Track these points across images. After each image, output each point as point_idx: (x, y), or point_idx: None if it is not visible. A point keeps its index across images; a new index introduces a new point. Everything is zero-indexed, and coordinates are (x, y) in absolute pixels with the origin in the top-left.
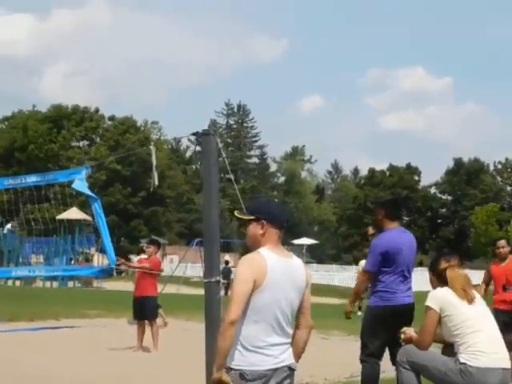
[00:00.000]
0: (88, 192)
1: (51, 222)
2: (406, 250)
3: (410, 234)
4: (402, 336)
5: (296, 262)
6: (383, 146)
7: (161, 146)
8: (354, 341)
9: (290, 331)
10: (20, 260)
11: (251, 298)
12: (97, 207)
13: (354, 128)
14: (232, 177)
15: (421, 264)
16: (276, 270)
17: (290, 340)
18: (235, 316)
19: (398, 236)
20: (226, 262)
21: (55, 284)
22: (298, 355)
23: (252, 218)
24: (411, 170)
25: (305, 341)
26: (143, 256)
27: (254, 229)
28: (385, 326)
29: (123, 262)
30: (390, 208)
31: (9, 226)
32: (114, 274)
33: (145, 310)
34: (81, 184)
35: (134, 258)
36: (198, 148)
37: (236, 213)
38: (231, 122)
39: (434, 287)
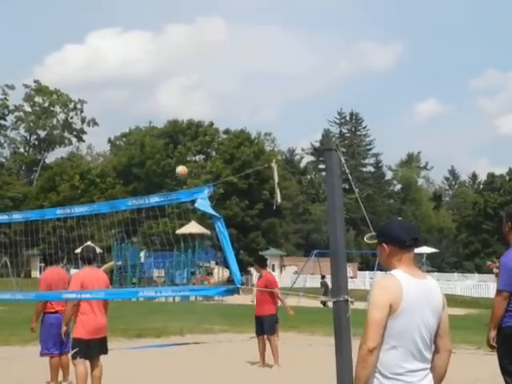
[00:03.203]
0: (211, 211)
1: (171, 236)
2: None
3: None
4: None
5: (431, 282)
6: (502, 150)
7: (275, 156)
8: (484, 355)
9: (429, 356)
10: (143, 274)
11: (388, 324)
12: (220, 226)
13: (471, 132)
14: (356, 190)
15: None
16: (411, 293)
17: (429, 365)
18: (374, 343)
19: None
20: (323, 277)
21: (177, 298)
22: (438, 380)
23: (374, 241)
24: None
25: (445, 365)
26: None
27: (380, 251)
28: None
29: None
30: None
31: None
32: (240, 293)
33: (263, 326)
34: (203, 203)
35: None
36: (311, 158)
37: (366, 238)
38: (344, 130)
39: None
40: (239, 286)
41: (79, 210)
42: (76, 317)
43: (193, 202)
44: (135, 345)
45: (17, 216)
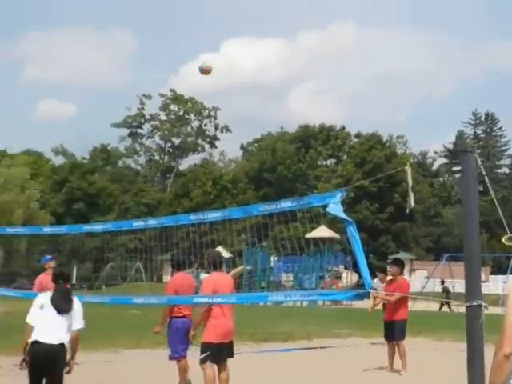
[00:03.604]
0: (343, 215)
1: (300, 240)
2: None
3: None
4: None
5: None
6: None
7: (406, 159)
8: None
9: None
10: (272, 278)
11: None
12: (352, 230)
13: None
14: (492, 192)
15: None
16: None
17: None
18: (510, 349)
19: None
20: (442, 282)
21: (305, 302)
22: None
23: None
24: None
25: None
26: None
27: None
28: None
29: (378, 295)
30: None
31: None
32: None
33: (393, 332)
34: (336, 207)
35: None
36: (444, 160)
37: (504, 240)
38: (479, 131)
39: None
40: (369, 290)
41: (212, 215)
42: (206, 321)
43: (324, 206)
44: (262, 349)
45: (152, 222)
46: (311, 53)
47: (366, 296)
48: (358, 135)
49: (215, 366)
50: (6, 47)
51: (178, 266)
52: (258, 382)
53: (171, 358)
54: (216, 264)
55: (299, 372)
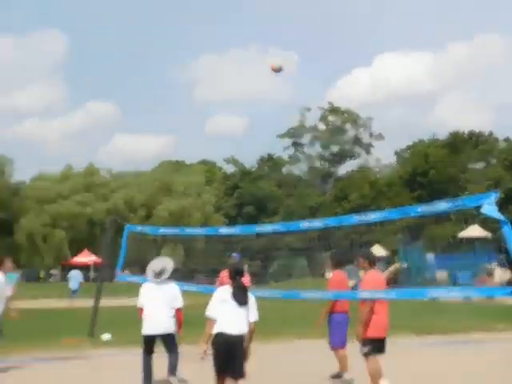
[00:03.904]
0: (498, 216)
1: (454, 239)
2: None
3: None
4: None
5: None
6: None
7: None
8: None
9: None
10: (427, 275)
11: None
12: (507, 230)
13: None
14: None
15: None
16: None
17: None
18: None
19: None
20: None
21: (459, 298)
22: None
23: None
24: None
25: None
26: None
27: None
28: None
29: None
30: None
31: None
32: None
33: None
34: (491, 208)
35: None
36: None
37: None
38: None
39: None
40: None
41: (373, 216)
42: (370, 318)
43: (479, 207)
44: (423, 341)
45: (317, 223)
46: (459, 64)
47: None
48: (506, 139)
49: (378, 358)
50: (184, 70)
51: (337, 264)
52: (427, 371)
53: (333, 348)
54: (374, 261)
55: (464, 363)
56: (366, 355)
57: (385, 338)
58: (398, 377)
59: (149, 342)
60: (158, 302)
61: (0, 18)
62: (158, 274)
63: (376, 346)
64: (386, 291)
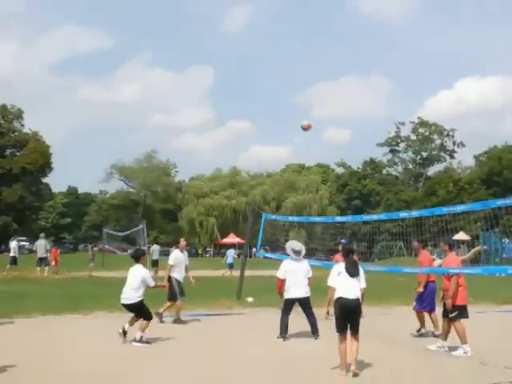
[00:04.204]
0: None
1: None
2: None
3: None
4: None
5: None
6: None
7: None
8: None
9: None
10: (503, 255)
11: None
12: None
13: None
14: None
15: None
16: None
17: None
18: None
19: None
20: None
21: None
22: None
23: None
24: None
25: None
26: None
27: None
28: None
29: None
30: None
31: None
32: None
33: None
34: None
35: None
36: None
37: None
38: None
39: None
40: None
41: (460, 208)
42: (457, 288)
43: None
44: (502, 309)
45: (414, 213)
46: None
47: None
48: None
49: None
50: (303, 94)
51: (424, 246)
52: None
53: (415, 309)
54: (452, 247)
55: None
56: (452, 319)
57: (467, 305)
58: (479, 337)
59: (290, 304)
60: (299, 273)
61: (164, 57)
62: (298, 253)
63: (461, 312)
64: (473, 267)
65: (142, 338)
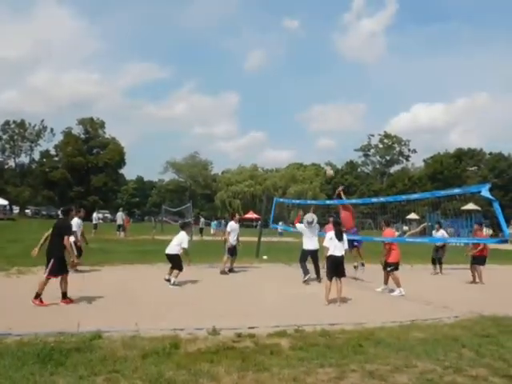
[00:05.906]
0: (491, 197)
1: (458, 210)
2: None
3: None
4: None
5: None
6: None
7: None
8: None
9: None
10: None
11: None
12: (496, 206)
13: None
14: None
15: None
16: None
17: None
18: None
19: None
20: None
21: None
22: None
23: None
24: None
25: None
26: None
27: None
28: None
29: None
30: None
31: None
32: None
33: None
34: (486, 193)
35: None
36: None
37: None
38: None
39: None
40: (507, 238)
41: (414, 196)
42: (390, 250)
43: (479, 192)
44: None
45: (382, 199)
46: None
47: (505, 241)
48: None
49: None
50: (303, 113)
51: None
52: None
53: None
54: (388, 223)
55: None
56: (389, 272)
57: (398, 262)
58: (426, 287)
59: (307, 254)
60: (313, 234)
61: (203, 85)
62: (310, 223)
63: (395, 266)
64: (422, 237)
65: (174, 282)
